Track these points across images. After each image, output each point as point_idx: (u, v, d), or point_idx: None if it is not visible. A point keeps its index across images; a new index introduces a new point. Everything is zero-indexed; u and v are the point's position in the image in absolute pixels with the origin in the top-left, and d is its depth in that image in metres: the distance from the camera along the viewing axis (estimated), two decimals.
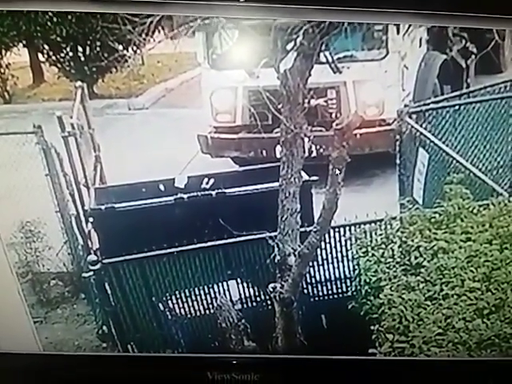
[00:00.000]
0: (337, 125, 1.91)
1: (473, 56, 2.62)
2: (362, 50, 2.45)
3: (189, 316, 2.34)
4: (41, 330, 2.28)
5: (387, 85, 2.41)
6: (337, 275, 2.35)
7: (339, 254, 2.32)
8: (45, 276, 2.49)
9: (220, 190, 2.38)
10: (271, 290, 2.11)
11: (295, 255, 2.09)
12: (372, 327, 2.01)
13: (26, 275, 2.42)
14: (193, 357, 2.16)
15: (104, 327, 2.37)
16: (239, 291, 2.34)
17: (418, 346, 1.89)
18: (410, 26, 2.23)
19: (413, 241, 2.11)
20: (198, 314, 2.34)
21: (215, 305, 2.26)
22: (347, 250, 2.30)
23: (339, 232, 2.29)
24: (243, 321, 2.20)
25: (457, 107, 2.38)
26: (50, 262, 2.48)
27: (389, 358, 1.94)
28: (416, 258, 2.07)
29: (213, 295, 2.31)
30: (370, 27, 2.37)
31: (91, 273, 2.28)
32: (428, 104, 2.42)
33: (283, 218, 2.08)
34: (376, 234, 2.23)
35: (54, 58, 2.64)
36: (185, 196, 2.37)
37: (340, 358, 1.98)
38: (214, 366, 1.99)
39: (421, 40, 2.53)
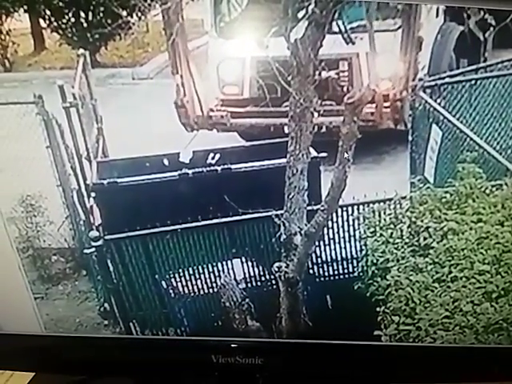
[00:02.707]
0: (348, 99, 1.96)
1: (491, 28, 2.62)
2: (376, 19, 2.44)
3: (192, 294, 2.43)
4: (41, 306, 2.38)
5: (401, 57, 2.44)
6: (343, 255, 2.42)
7: (346, 234, 2.38)
8: (46, 251, 2.56)
9: (226, 166, 2.44)
10: (276, 269, 2.19)
11: (301, 234, 2.16)
12: (378, 309, 2.11)
13: (26, 250, 2.49)
14: (197, 339, 2.25)
15: (106, 304, 2.47)
16: (243, 270, 2.42)
17: (424, 329, 1.99)
18: None
19: (422, 221, 2.18)
20: (202, 292, 2.43)
21: (219, 283, 2.36)
22: (355, 230, 2.37)
23: (347, 211, 2.35)
24: (247, 300, 2.30)
25: (473, 82, 2.40)
26: (51, 237, 2.55)
27: (394, 343, 2.05)
28: (425, 238, 2.15)
29: (217, 274, 2.40)
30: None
31: (93, 249, 2.37)
32: (443, 78, 2.45)
33: (290, 196, 2.15)
34: (385, 213, 2.30)
35: (55, 24, 2.66)
36: (189, 171, 2.43)
37: (346, 343, 2.07)
38: (218, 350, 2.09)
39: (438, 10, 2.53)
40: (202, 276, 2.42)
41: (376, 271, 2.21)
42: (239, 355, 2.09)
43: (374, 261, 2.22)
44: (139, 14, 2.44)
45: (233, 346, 2.12)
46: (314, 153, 2.25)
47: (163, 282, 2.43)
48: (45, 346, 2.26)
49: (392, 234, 2.24)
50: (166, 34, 2.53)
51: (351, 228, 2.38)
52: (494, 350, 1.99)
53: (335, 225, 2.38)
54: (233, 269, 2.41)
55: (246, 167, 2.44)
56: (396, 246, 2.21)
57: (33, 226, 2.54)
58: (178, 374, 2.19)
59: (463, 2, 2.02)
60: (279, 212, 2.20)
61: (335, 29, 2.44)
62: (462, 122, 2.40)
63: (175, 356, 2.17)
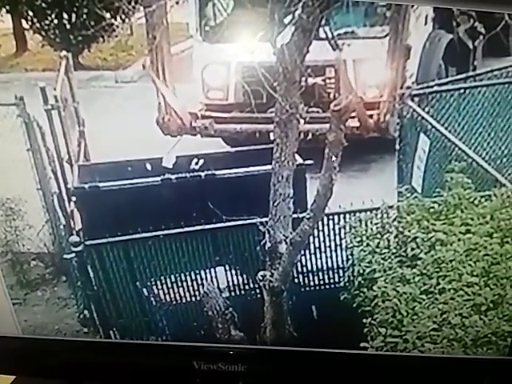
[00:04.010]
0: (334, 106, 1.86)
1: (481, 37, 2.56)
2: (363, 26, 2.39)
3: (174, 302, 2.33)
4: (20, 312, 2.28)
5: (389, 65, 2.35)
6: (329, 265, 2.33)
7: (332, 243, 2.29)
8: (25, 256, 2.46)
9: (210, 172, 2.35)
10: (261, 278, 2.09)
11: (286, 243, 2.06)
12: (364, 320, 2.01)
13: (5, 255, 2.39)
14: (179, 345, 2.15)
15: (86, 312, 2.35)
16: (227, 278, 2.32)
17: (412, 342, 1.89)
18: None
19: (410, 231, 2.10)
20: (184, 300, 2.33)
21: (202, 292, 2.25)
22: (341, 239, 2.28)
23: (333, 220, 2.26)
24: (230, 309, 2.19)
25: (462, 91, 2.33)
26: (31, 241, 2.45)
27: (381, 353, 1.94)
28: (412, 249, 2.06)
29: (199, 282, 2.30)
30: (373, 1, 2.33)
31: (73, 254, 2.25)
32: (432, 86, 2.37)
33: (275, 203, 2.05)
34: (372, 223, 2.21)
35: (38, 25, 2.58)
36: (172, 177, 2.34)
37: (331, 352, 1.98)
38: (200, 356, 1.99)
39: (426, 17, 2.46)
40: (185, 284, 2.31)
41: (362, 282, 2.12)
42: (222, 362, 1.99)
43: (361, 271, 2.13)
44: (123, 17, 2.37)
45: (215, 352, 2.04)
46: (299, 160, 2.15)
47: (144, 290, 2.31)
48: (24, 349, 2.16)
49: (379, 243, 2.15)
50: (149, 37, 2.43)
51: (337, 237, 2.29)
52: (484, 362, 1.90)
53: (321, 233, 2.28)
54: (216, 277, 2.31)
55: (230, 173, 2.35)
56: (383, 256, 2.12)
57: (12, 230, 2.43)
58: (159, 380, 2.08)
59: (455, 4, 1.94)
60: (264, 219, 2.09)
61: (322, 35, 2.32)
62: (450, 132, 2.32)
63: (156, 361, 2.07)
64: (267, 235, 2.09)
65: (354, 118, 2.29)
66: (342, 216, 2.26)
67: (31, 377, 2.18)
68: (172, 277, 2.30)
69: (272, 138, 2.04)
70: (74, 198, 2.42)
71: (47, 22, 2.56)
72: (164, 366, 2.05)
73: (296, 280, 2.33)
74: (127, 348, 2.23)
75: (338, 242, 2.29)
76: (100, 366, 2.08)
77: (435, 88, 2.37)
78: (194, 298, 2.32)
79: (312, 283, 2.37)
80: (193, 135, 2.57)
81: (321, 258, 2.32)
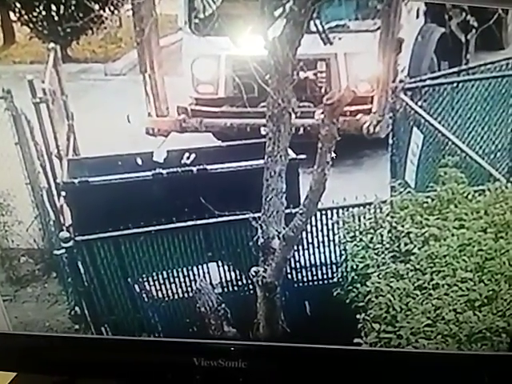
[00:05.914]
0: (327, 100, 1.80)
1: (473, 30, 2.49)
2: (355, 19, 2.33)
3: (166, 299, 2.27)
4: (10, 309, 2.22)
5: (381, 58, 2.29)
6: (322, 260, 2.28)
7: (325, 238, 2.24)
8: (14, 252, 2.39)
9: (202, 166, 2.27)
10: (254, 273, 2.04)
11: (279, 238, 2.00)
12: (358, 316, 1.97)
13: None
14: (179, 342, 2.10)
15: (76, 308, 2.29)
16: (220, 274, 2.26)
17: (406, 337, 1.85)
18: None
19: (403, 226, 2.05)
20: (176, 297, 2.27)
21: (194, 288, 2.20)
22: (334, 234, 2.22)
23: (326, 215, 2.20)
24: (223, 305, 2.15)
25: (455, 85, 2.27)
26: (20, 237, 2.38)
27: (375, 348, 1.90)
28: (406, 244, 2.01)
29: (192, 278, 2.24)
30: None
31: (63, 250, 2.19)
32: (424, 80, 2.32)
33: (268, 199, 1.98)
34: (365, 218, 2.15)
35: (26, 17, 2.49)
36: (164, 171, 2.26)
37: (331, 348, 1.94)
38: (200, 352, 1.96)
39: (418, 11, 2.40)
40: (177, 280, 2.25)
41: (356, 277, 2.07)
42: (222, 358, 1.94)
43: (354, 266, 2.07)
44: (112, 8, 2.30)
45: (216, 348, 2.00)
46: (292, 154, 2.08)
47: (136, 286, 2.25)
48: (19, 345, 2.11)
49: (372, 238, 2.10)
50: (136, 29, 2.36)
51: (330, 232, 2.23)
52: (483, 357, 1.86)
53: (314, 229, 2.22)
54: (209, 273, 2.25)
55: (222, 168, 2.27)
56: (376, 251, 2.07)
57: (0, 226, 2.36)
58: (160, 376, 2.03)
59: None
60: (257, 215, 2.02)
61: (313, 28, 2.26)
62: (443, 126, 2.26)
63: (156, 357, 2.03)
64: (260, 230, 2.02)
65: (346, 111, 2.21)
66: (335, 211, 2.21)
67: (29, 373, 2.15)
68: (164, 273, 2.24)
69: (264, 132, 1.98)
70: (63, 193, 2.33)
71: (35, 13, 2.47)
72: (164, 363, 2.01)
73: (289, 276, 2.27)
74: (128, 344, 2.17)
75: (331, 238, 2.23)
76: (103, 364, 2.05)
77: (428, 82, 2.31)
78: (186, 295, 2.26)
79: (305, 279, 2.32)
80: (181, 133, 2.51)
81: (314, 254, 2.27)
